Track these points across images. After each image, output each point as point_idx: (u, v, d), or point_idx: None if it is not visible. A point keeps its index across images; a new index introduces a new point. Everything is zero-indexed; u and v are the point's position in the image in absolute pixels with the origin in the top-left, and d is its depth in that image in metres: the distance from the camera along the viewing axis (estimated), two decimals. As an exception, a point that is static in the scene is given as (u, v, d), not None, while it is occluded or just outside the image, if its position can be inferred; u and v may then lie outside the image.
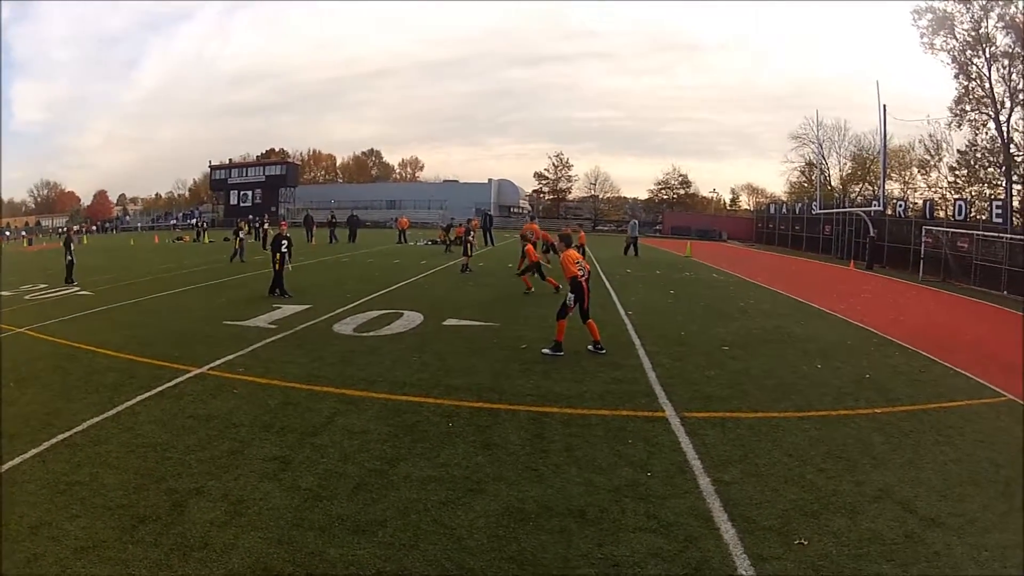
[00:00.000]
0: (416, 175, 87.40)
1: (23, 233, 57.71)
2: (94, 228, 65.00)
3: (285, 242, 12.05)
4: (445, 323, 9.40)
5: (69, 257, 15.39)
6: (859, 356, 7.63)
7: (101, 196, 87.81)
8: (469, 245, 16.87)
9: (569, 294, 7.28)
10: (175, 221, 65.70)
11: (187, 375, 6.46)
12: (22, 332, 9.30)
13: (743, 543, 3.27)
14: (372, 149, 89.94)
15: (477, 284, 14.41)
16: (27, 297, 13.27)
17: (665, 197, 68.84)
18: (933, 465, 4.33)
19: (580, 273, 7.31)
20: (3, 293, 14.03)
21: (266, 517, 3.63)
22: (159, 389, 6.01)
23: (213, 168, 68.01)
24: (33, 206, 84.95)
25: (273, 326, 9.13)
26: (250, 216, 41.36)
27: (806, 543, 3.27)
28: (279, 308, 10.60)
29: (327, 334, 8.67)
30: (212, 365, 6.82)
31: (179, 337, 8.42)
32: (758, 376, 6.62)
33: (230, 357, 7.17)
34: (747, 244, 42.12)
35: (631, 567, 3.09)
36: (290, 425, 5.06)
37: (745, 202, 70.27)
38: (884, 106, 22.04)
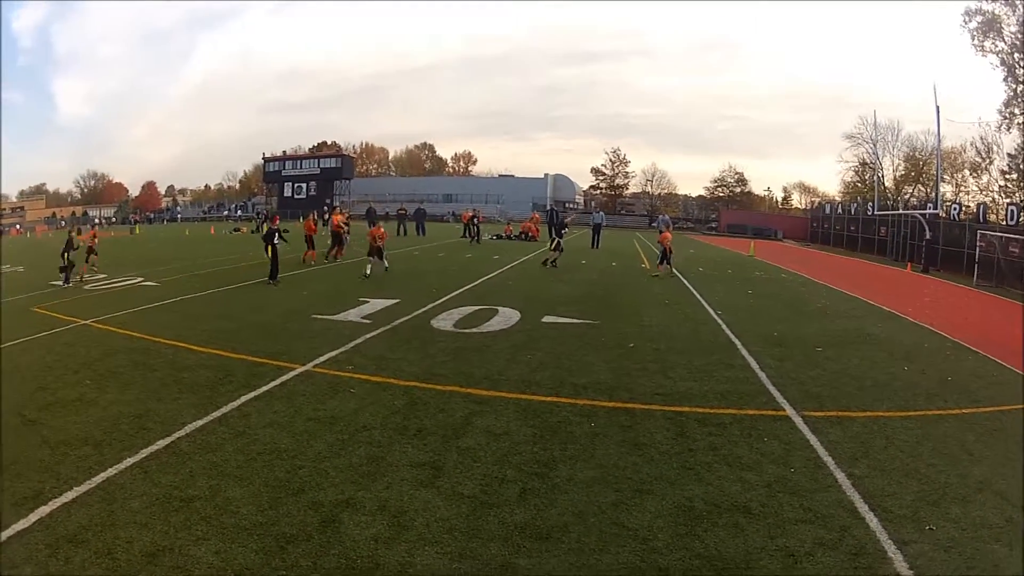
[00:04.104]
0: (469, 169, 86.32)
1: (63, 223, 58.57)
2: (141, 219, 64.43)
3: (276, 235, 13.39)
4: (544, 320, 9.36)
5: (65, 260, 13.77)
6: (938, 359, 7.80)
7: (150, 187, 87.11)
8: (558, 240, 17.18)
9: None
10: (228, 212, 66.00)
11: (291, 373, 6.21)
12: (88, 325, 8.77)
13: (886, 530, 3.52)
14: (425, 143, 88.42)
15: (560, 280, 14.39)
16: (87, 288, 12.79)
17: (721, 195, 68.45)
18: (1019, 459, 4.60)
19: None
20: (57, 283, 13.44)
21: (436, 530, 3.38)
22: (265, 388, 5.73)
23: (267, 160, 68.19)
24: (79, 196, 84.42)
25: (367, 321, 9.01)
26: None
27: (934, 529, 3.56)
28: (367, 302, 10.49)
29: (427, 330, 8.56)
30: (316, 362, 6.63)
31: (267, 332, 8.19)
32: (856, 376, 6.78)
33: (333, 354, 7.02)
34: (803, 244, 41.71)
35: (805, 556, 3.28)
36: (427, 427, 4.90)
37: (797, 201, 69.97)
38: (938, 108, 21.80)
